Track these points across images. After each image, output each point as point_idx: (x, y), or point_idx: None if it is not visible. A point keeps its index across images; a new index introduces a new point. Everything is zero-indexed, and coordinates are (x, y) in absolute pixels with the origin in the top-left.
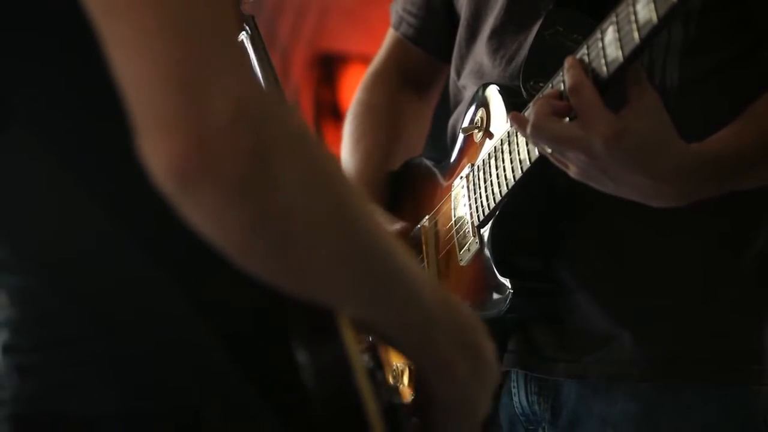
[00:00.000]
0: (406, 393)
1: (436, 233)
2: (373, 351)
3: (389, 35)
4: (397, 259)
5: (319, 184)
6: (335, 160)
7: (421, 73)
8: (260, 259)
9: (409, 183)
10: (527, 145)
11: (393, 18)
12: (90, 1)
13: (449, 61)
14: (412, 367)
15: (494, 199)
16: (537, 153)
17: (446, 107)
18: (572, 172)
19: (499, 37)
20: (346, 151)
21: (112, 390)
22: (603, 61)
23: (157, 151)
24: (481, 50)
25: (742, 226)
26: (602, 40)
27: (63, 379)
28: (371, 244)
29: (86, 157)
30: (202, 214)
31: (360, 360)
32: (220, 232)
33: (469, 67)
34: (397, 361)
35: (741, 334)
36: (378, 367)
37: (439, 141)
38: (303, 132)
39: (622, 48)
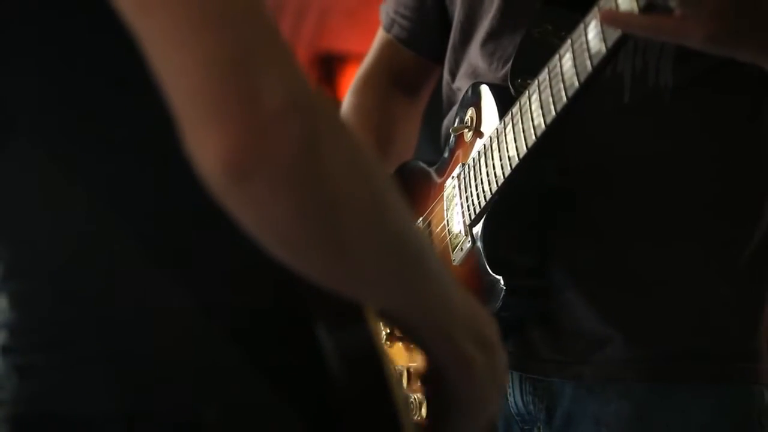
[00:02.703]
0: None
1: (430, 234)
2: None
3: (379, 37)
4: (427, 249)
5: (362, 172)
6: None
7: (411, 76)
8: (307, 248)
9: (404, 186)
10: (515, 141)
11: (384, 20)
12: (122, 1)
13: (441, 63)
14: (410, 370)
15: (485, 197)
16: (525, 149)
17: (441, 109)
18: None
19: (494, 40)
20: None
21: (111, 390)
22: (587, 54)
23: (206, 145)
24: (475, 53)
25: (736, 226)
26: (585, 33)
27: (62, 379)
28: (406, 230)
29: (84, 159)
30: (253, 207)
31: (386, 347)
32: (269, 224)
33: (464, 69)
34: (397, 363)
35: (735, 333)
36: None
37: (436, 143)
38: (343, 120)
39: (605, 40)
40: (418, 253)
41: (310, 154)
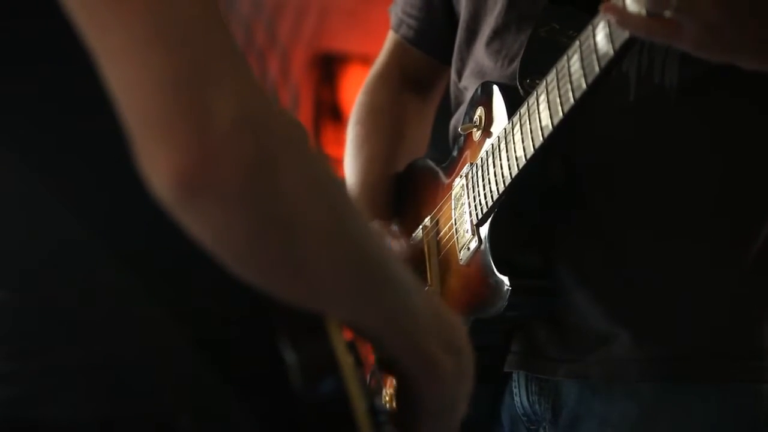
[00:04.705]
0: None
1: (438, 233)
2: (353, 349)
3: (389, 37)
4: (388, 262)
5: (319, 189)
6: (330, 163)
7: (422, 75)
8: (262, 266)
9: (413, 184)
10: (523, 141)
11: (393, 20)
12: (78, 15)
13: (450, 62)
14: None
15: (492, 197)
16: (533, 149)
17: (449, 108)
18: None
19: (500, 38)
20: (350, 156)
21: (87, 396)
22: (594, 56)
23: (157, 164)
24: (481, 51)
25: (742, 225)
26: (593, 35)
27: (39, 386)
28: (366, 246)
29: (58, 165)
30: (206, 225)
31: (347, 359)
32: (223, 242)
33: (470, 68)
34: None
35: (741, 331)
36: (359, 364)
37: (442, 142)
38: (301, 135)
39: (612, 42)
40: (379, 265)
41: (263, 173)
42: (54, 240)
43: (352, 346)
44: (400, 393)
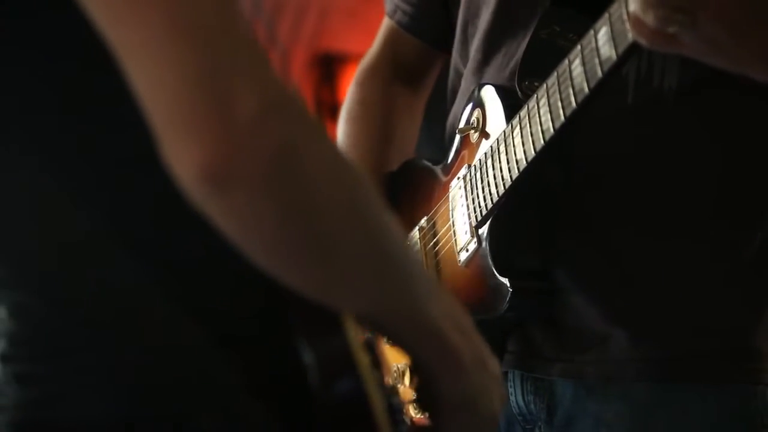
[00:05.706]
0: (408, 393)
1: (434, 234)
2: (371, 349)
3: (384, 24)
4: (406, 251)
5: (340, 176)
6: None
7: (414, 63)
8: (289, 256)
9: (407, 184)
10: (523, 144)
11: (388, 6)
12: (97, 11)
13: (444, 50)
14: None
15: (491, 199)
16: (533, 152)
17: (445, 107)
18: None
19: (496, 36)
20: None
21: (109, 397)
22: (597, 60)
23: (184, 158)
24: (478, 49)
25: (740, 227)
26: (596, 39)
27: (61, 387)
28: (385, 235)
29: (75, 166)
30: (234, 217)
31: (364, 359)
32: (251, 233)
33: (470, 65)
34: (397, 362)
35: (738, 333)
36: (376, 365)
37: (438, 141)
38: (319, 124)
39: (615, 47)
40: (398, 252)
41: (287, 162)
42: (75, 241)
43: (369, 345)
44: (423, 395)
